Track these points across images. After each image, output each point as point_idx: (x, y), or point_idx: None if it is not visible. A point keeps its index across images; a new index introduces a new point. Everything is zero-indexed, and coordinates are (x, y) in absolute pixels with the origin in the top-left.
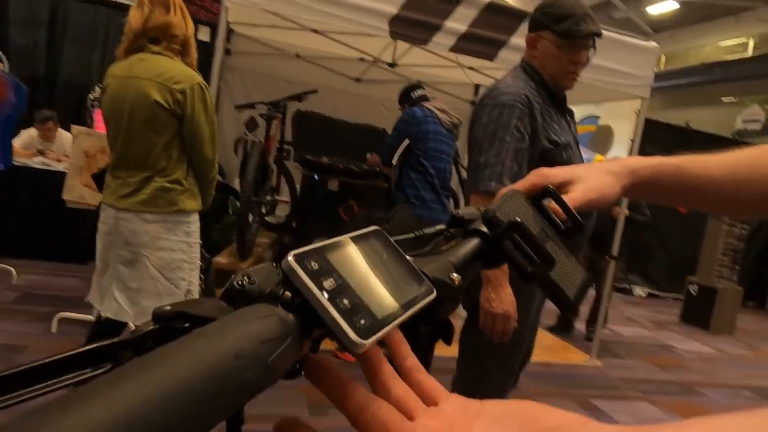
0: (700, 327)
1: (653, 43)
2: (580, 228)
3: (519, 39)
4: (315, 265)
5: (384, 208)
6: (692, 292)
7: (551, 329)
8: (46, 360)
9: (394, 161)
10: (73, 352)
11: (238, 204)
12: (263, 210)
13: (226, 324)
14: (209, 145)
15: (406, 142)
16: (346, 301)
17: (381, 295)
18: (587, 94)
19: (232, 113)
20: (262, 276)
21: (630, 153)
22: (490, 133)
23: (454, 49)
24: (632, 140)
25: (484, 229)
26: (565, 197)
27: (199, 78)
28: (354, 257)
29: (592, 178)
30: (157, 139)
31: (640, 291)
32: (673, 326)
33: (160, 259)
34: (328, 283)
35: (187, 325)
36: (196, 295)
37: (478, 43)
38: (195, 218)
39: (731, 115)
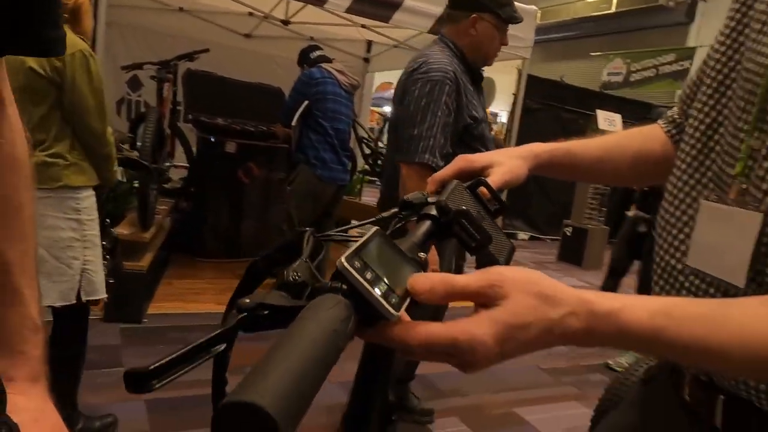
0: (574, 264)
1: (533, 7)
2: (506, 209)
3: (413, 1)
4: (358, 264)
5: (284, 169)
6: (567, 233)
7: None
8: (188, 347)
9: (294, 122)
10: (201, 341)
11: (131, 171)
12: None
13: (318, 311)
14: (96, 118)
15: (306, 103)
16: (381, 287)
17: (398, 278)
18: None
19: (112, 72)
20: (303, 270)
21: (513, 107)
22: (422, 108)
23: (349, 10)
24: (515, 95)
25: (435, 213)
26: (490, 179)
27: (82, 45)
28: (375, 253)
29: (506, 162)
30: (34, 109)
31: (523, 235)
32: (551, 265)
33: (46, 238)
34: (369, 275)
35: (266, 312)
36: (97, 275)
37: (374, 5)
38: (86, 194)
39: (598, 68)
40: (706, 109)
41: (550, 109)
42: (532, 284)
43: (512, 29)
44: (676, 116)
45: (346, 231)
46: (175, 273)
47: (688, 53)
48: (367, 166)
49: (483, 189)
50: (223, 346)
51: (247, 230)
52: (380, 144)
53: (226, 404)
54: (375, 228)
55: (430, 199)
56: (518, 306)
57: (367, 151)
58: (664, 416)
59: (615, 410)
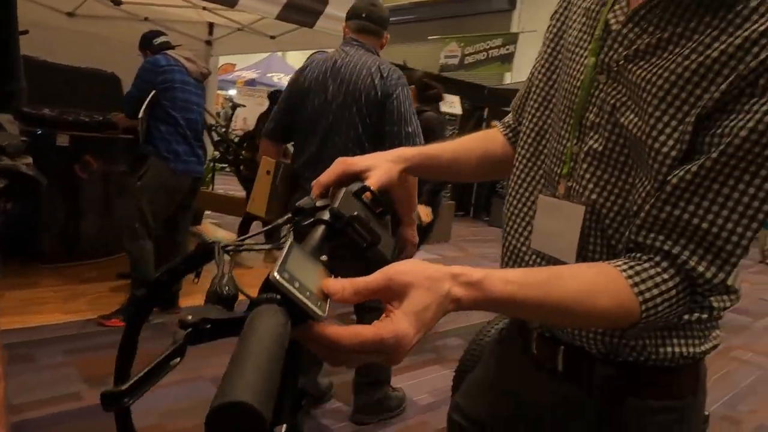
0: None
1: None
2: (390, 211)
3: None
4: (286, 275)
5: (127, 161)
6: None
7: None
8: (151, 366)
9: (141, 113)
10: (160, 358)
11: None
12: None
13: (263, 320)
14: None
15: (153, 92)
16: (307, 293)
17: (315, 282)
18: (319, 40)
19: None
20: (231, 284)
21: None
22: (408, 108)
23: None
24: None
25: (327, 218)
26: (370, 180)
27: None
28: (294, 263)
29: (381, 166)
30: None
31: None
32: None
33: None
34: (296, 285)
35: (208, 326)
36: None
37: None
38: None
39: (436, 51)
40: (535, 119)
41: None
42: (419, 272)
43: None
44: (511, 122)
45: (243, 241)
46: (8, 283)
47: (513, 38)
48: (217, 153)
49: (368, 194)
50: (179, 359)
51: (88, 229)
52: (230, 130)
53: (216, 407)
54: (290, 240)
55: (319, 203)
56: (416, 296)
57: (217, 138)
58: (518, 369)
59: (476, 367)
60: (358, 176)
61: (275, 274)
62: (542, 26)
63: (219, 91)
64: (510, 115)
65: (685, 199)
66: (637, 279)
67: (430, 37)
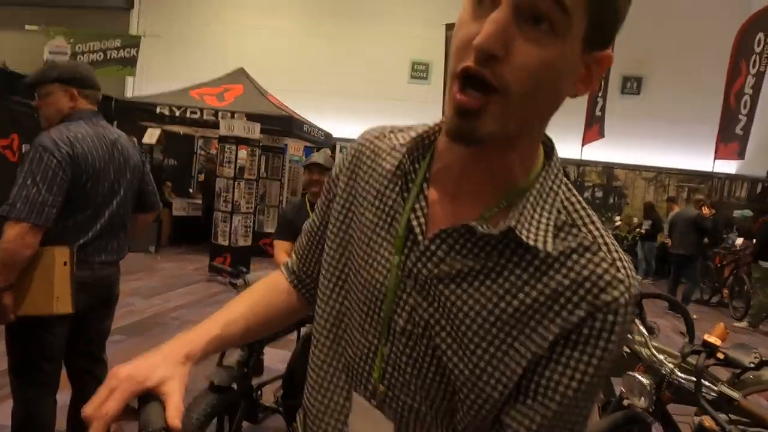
0: None
1: None
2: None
3: None
4: None
5: None
6: None
7: None
8: None
9: None
10: None
11: None
12: None
13: None
14: None
15: None
16: None
17: None
18: None
19: None
20: None
21: None
22: None
23: None
24: None
25: None
26: (171, 401)
27: None
28: None
29: (174, 375)
30: None
31: None
32: None
33: None
34: None
35: None
36: None
37: None
38: None
39: (39, 45)
40: (331, 301)
41: None
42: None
43: None
44: (295, 268)
45: None
46: None
47: (134, 41)
48: None
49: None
50: None
51: None
52: None
53: None
54: None
55: None
56: None
57: None
58: None
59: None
60: (150, 394)
61: None
62: (166, 31)
63: None
64: (294, 258)
65: None
66: None
67: (27, 27)
